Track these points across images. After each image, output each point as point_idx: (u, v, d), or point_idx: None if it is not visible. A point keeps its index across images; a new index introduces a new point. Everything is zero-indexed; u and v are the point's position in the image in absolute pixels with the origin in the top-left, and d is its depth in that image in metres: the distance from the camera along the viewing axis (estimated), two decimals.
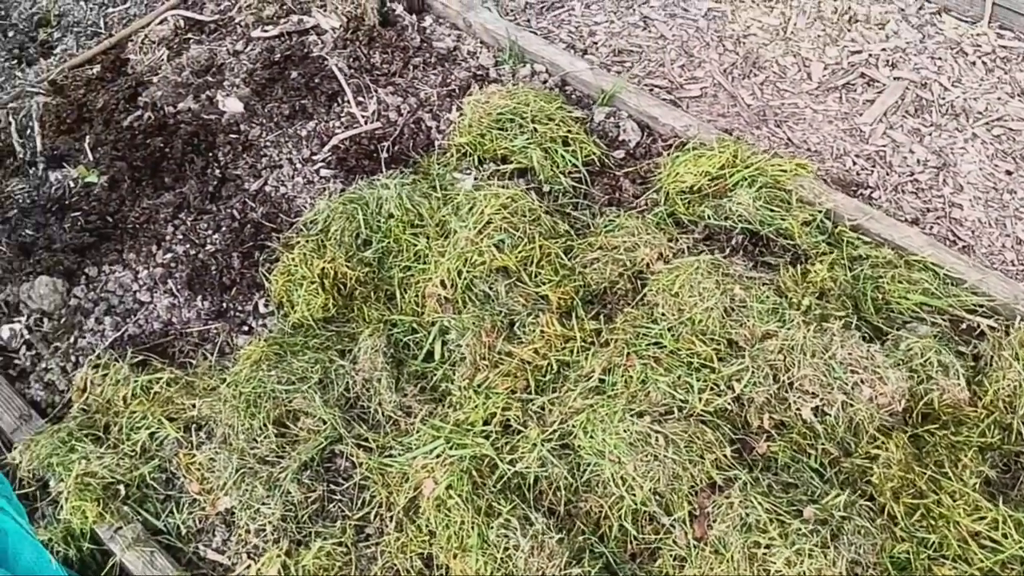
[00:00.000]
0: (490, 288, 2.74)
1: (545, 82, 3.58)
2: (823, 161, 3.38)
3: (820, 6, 3.99)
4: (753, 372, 2.41)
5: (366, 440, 2.54)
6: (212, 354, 2.80)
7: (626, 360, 2.50)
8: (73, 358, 2.87)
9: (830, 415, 2.40)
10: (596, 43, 3.95)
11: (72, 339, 2.92)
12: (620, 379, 2.48)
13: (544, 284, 2.75)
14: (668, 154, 3.17)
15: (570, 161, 3.17)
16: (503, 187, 2.96)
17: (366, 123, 3.41)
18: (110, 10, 4.10)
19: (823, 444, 2.38)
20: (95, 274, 3.07)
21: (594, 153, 3.20)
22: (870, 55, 3.77)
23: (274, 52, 3.67)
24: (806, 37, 3.88)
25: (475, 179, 3.14)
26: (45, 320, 3.00)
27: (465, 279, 2.76)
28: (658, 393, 2.41)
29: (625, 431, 2.32)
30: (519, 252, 2.78)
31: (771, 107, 3.63)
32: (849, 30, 3.89)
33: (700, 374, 2.46)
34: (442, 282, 2.77)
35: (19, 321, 3.01)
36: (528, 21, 4.08)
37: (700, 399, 2.40)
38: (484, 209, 2.83)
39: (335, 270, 2.82)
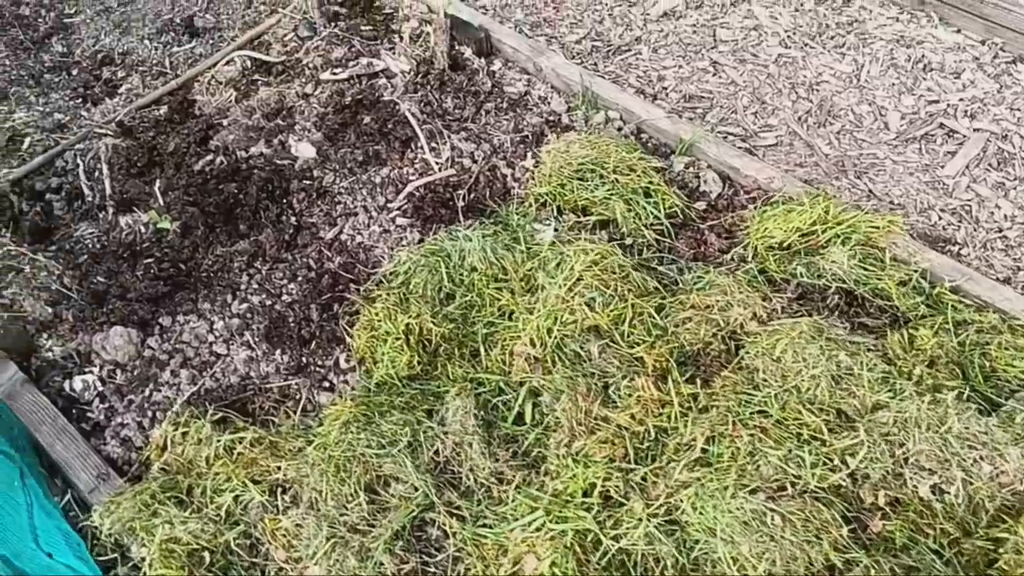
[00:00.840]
0: (582, 348, 2.62)
1: (620, 129, 3.48)
2: (907, 215, 3.27)
3: (893, 53, 3.89)
4: (869, 447, 2.29)
5: (458, 508, 2.42)
6: (295, 412, 2.69)
7: (733, 430, 2.38)
8: (149, 412, 2.77)
9: (949, 493, 2.27)
10: (666, 88, 3.86)
11: (147, 392, 2.82)
12: (726, 450, 2.36)
13: (637, 345, 2.64)
14: (754, 208, 3.06)
15: (652, 213, 3.06)
16: (590, 241, 2.85)
17: (440, 170, 3.32)
18: (175, 49, 4.03)
19: (941, 524, 2.25)
20: (169, 324, 2.97)
21: (676, 205, 3.09)
22: (948, 105, 3.66)
23: (344, 96, 3.58)
24: (880, 85, 3.77)
25: (555, 230, 3.04)
26: (118, 372, 2.90)
27: (555, 338, 2.65)
28: (769, 467, 2.29)
29: (738, 508, 2.20)
30: (611, 311, 2.67)
31: (849, 157, 3.52)
32: (924, 79, 3.78)
33: (811, 447, 2.33)
34: (531, 340, 2.65)
35: (92, 372, 2.91)
36: (595, 65, 3.99)
37: (813, 475, 2.28)
38: (574, 265, 2.72)
39: (420, 326, 2.72)
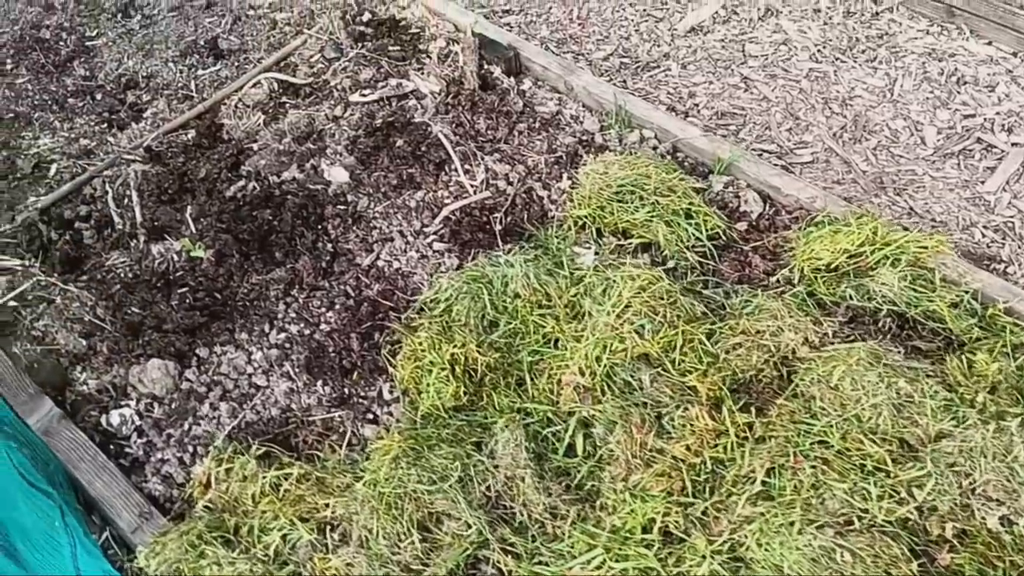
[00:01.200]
0: (633, 377, 2.56)
1: (655, 148, 3.43)
2: (950, 233, 3.21)
3: (925, 67, 3.83)
4: (936, 478, 2.22)
5: (513, 545, 2.35)
6: (340, 446, 2.63)
7: (794, 461, 2.31)
8: (190, 448, 2.70)
9: (1017, 524, 2.21)
10: (697, 105, 3.80)
11: (186, 426, 2.75)
12: (788, 482, 2.30)
13: (689, 373, 2.58)
14: (799, 228, 3.00)
15: (694, 235, 3.00)
16: (634, 266, 2.79)
17: (475, 193, 3.26)
18: (200, 72, 3.97)
19: (1011, 556, 2.19)
20: (206, 355, 2.91)
21: (718, 226, 3.03)
22: (984, 119, 3.61)
23: (375, 118, 3.52)
24: (914, 99, 3.72)
25: (596, 254, 2.98)
26: (156, 405, 2.83)
27: (605, 367, 2.59)
28: (834, 501, 2.23)
29: (806, 545, 2.13)
30: (661, 338, 2.61)
31: (887, 174, 3.46)
32: (958, 92, 3.73)
33: (876, 478, 2.27)
34: (580, 369, 2.59)
35: (129, 406, 2.85)
36: (624, 82, 3.93)
37: (880, 508, 2.21)
38: (622, 292, 2.66)
39: (466, 355, 2.66)
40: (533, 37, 4.18)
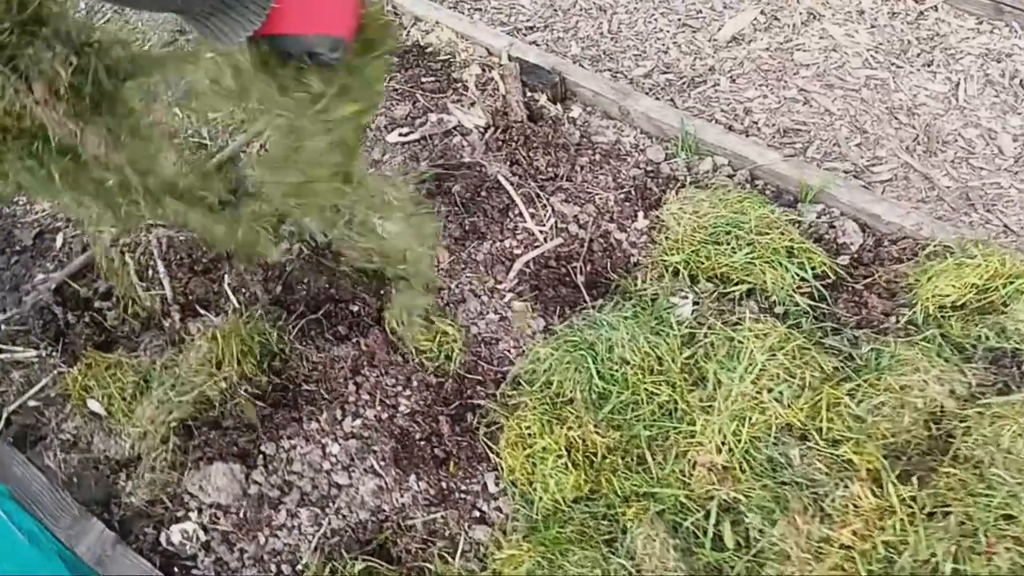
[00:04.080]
0: (780, 453, 2.22)
1: (731, 176, 3.09)
2: None
3: (985, 69, 3.56)
4: None
5: None
6: (452, 555, 2.24)
7: (987, 547, 2.00)
8: (272, 566, 2.29)
9: None
10: (756, 123, 3.47)
11: (262, 539, 2.33)
12: (982, 569, 1.99)
13: (839, 442, 2.25)
14: (912, 260, 2.69)
15: (799, 275, 2.67)
16: (755, 319, 2.45)
17: (547, 240, 2.88)
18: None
19: None
20: (273, 452, 2.49)
21: (824, 264, 2.71)
22: None
23: (419, 160, 3.11)
24: (981, 105, 3.44)
25: (695, 304, 2.63)
26: (222, 515, 2.40)
27: (744, 443, 2.24)
28: None
29: None
30: (803, 403, 2.27)
31: (972, 188, 3.18)
32: None
33: None
34: (716, 447, 2.24)
35: (190, 519, 2.41)
36: (671, 101, 3.58)
37: None
38: (753, 353, 2.32)
39: (584, 438, 2.29)
40: (563, 55, 3.80)
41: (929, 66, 3.60)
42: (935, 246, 2.70)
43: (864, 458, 2.19)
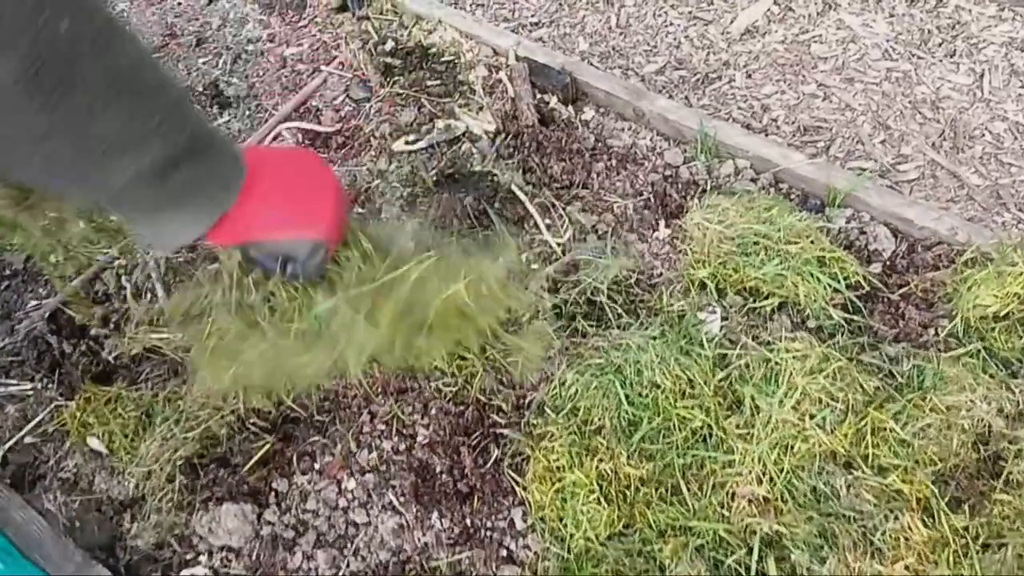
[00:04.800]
0: (825, 483, 2.09)
1: (754, 180, 2.94)
2: None
3: (1010, 59, 3.41)
4: None
5: None
6: None
7: None
8: None
9: None
10: (775, 120, 3.32)
11: None
12: None
13: (886, 469, 2.12)
14: (953, 268, 2.55)
15: (831, 286, 2.53)
16: (791, 338, 2.31)
17: (565, 253, 2.73)
18: None
19: None
20: (286, 489, 2.35)
21: (858, 274, 2.57)
22: None
23: (428, 170, 2.95)
24: (1007, 97, 3.30)
25: (723, 319, 2.49)
26: (233, 558, 2.26)
27: (786, 473, 2.11)
28: None
29: None
30: (847, 429, 2.14)
31: (1002, 186, 3.04)
32: None
33: None
34: (757, 477, 2.11)
35: (200, 563, 2.27)
36: (686, 98, 3.42)
37: None
38: (793, 375, 2.18)
39: (616, 470, 2.15)
40: (571, 52, 3.64)
41: (951, 57, 3.45)
42: (972, 252, 2.56)
43: (915, 488, 2.06)
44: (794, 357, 2.20)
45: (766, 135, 3.24)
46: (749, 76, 3.49)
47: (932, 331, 2.48)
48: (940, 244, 2.67)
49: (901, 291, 2.57)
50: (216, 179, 1.01)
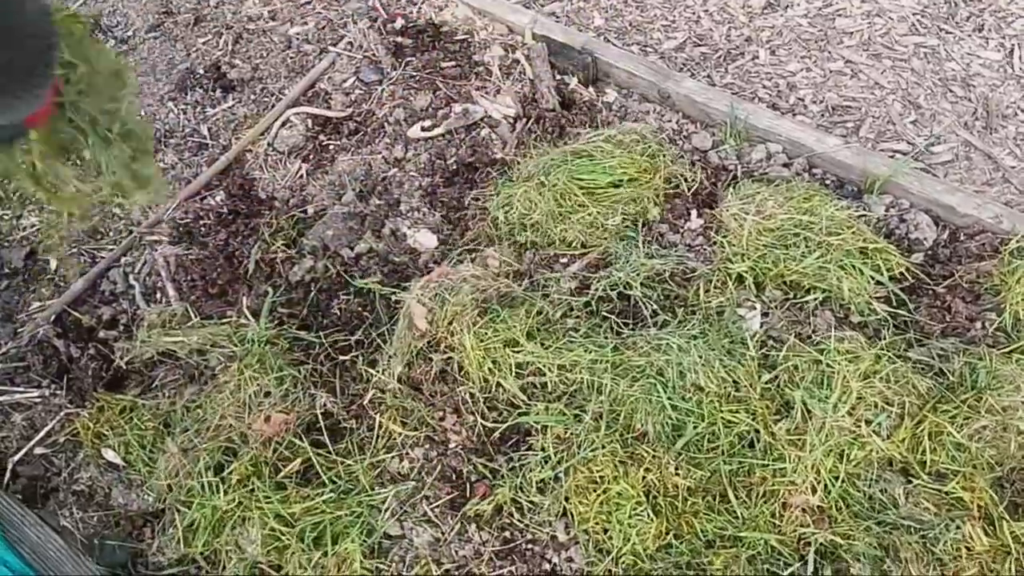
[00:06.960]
0: (882, 492, 1.99)
1: (787, 166, 2.80)
2: None
3: None
4: None
5: None
6: None
7: None
8: None
9: None
10: (802, 99, 3.17)
11: None
12: None
13: (944, 475, 2.02)
14: (999, 259, 2.44)
15: (875, 279, 2.41)
16: (840, 338, 2.19)
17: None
18: (209, 111, 3.13)
19: None
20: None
21: (902, 265, 2.45)
22: None
23: (447, 158, 2.79)
24: None
25: (764, 315, 2.37)
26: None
27: (841, 481, 2.00)
28: None
29: None
30: (904, 434, 2.03)
31: None
32: None
33: None
34: (811, 486, 2.00)
35: None
36: (708, 76, 3.26)
37: None
38: (848, 379, 2.06)
39: (663, 480, 2.04)
40: (586, 28, 3.46)
41: (980, 31, 3.30)
42: (1019, 241, 2.44)
43: (975, 495, 1.96)
44: (845, 360, 2.08)
45: (794, 115, 3.09)
46: (773, 52, 3.32)
47: (979, 325, 2.37)
48: (984, 232, 2.55)
49: (946, 283, 2.45)
50: None
